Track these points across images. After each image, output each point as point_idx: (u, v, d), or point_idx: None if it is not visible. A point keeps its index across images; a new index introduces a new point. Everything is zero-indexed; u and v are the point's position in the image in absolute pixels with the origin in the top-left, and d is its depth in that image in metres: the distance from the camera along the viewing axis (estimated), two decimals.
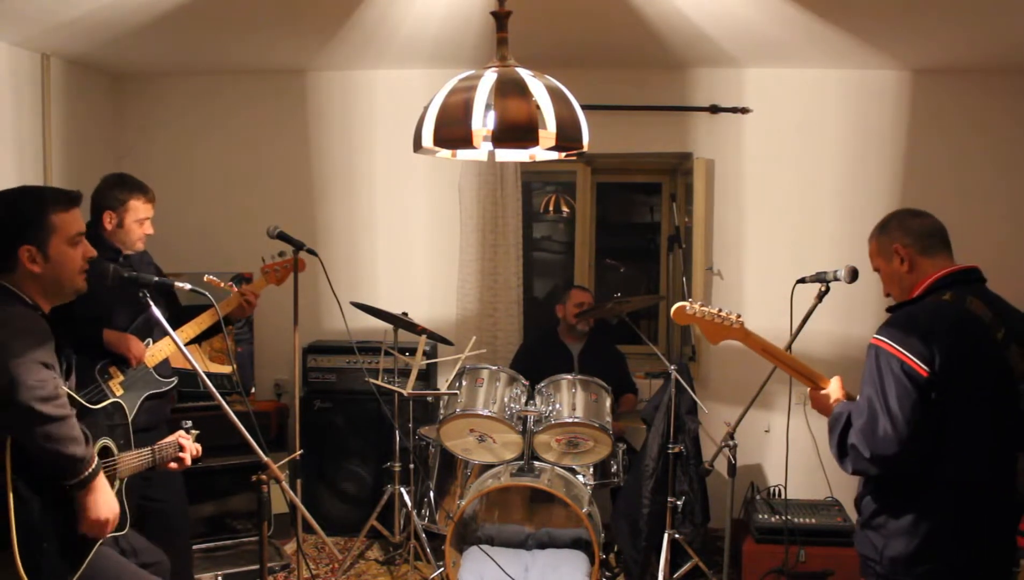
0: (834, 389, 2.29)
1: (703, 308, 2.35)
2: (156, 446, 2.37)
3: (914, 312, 2.13)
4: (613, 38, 3.87)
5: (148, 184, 3.11)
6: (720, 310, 2.36)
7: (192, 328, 3.07)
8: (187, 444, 2.42)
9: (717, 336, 2.38)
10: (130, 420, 2.41)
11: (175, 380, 3.12)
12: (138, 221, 3.00)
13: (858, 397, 2.15)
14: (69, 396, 2.09)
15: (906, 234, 2.22)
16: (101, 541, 2.14)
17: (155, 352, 3.01)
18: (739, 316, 2.35)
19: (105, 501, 2.06)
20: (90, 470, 2.00)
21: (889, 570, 2.11)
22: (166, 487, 3.03)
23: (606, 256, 5.13)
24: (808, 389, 2.34)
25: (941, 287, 2.15)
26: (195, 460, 2.46)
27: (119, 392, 2.87)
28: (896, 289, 2.27)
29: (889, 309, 2.25)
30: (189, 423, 2.48)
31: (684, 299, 2.42)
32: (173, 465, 2.42)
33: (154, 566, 2.46)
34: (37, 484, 1.95)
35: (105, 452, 2.24)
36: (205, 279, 3.21)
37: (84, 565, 2.06)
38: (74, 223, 2.15)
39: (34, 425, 1.86)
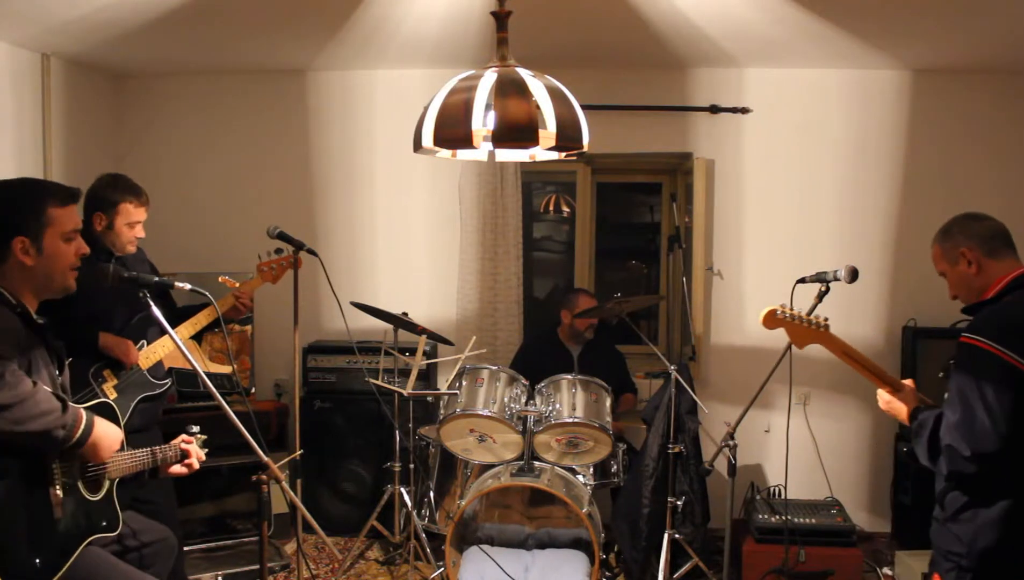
0: (910, 392, 2.34)
1: (793, 312, 2.35)
2: (157, 448, 2.36)
3: (1001, 310, 2.18)
4: (613, 38, 3.87)
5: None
6: (808, 313, 2.35)
7: (188, 328, 3.06)
8: (192, 450, 2.41)
9: (803, 340, 2.37)
10: (123, 422, 2.39)
11: (169, 382, 3.11)
12: (128, 224, 2.96)
13: (946, 395, 2.17)
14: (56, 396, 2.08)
15: (970, 237, 2.28)
16: (88, 541, 2.14)
17: (149, 354, 3.00)
18: (826, 319, 2.35)
19: (109, 441, 2.11)
20: (82, 428, 2.00)
21: (977, 563, 2.12)
22: (156, 489, 3.01)
23: (606, 256, 5.13)
24: (881, 391, 2.39)
25: (1019, 286, 2.20)
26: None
27: (113, 395, 2.86)
28: (964, 291, 2.32)
29: (965, 310, 2.31)
30: (196, 428, 2.45)
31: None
32: (181, 470, 2.41)
33: (158, 543, 2.45)
34: (13, 479, 1.94)
35: None
36: (220, 280, 3.22)
37: (67, 566, 2.05)
38: (70, 219, 2.15)
39: None
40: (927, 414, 2.22)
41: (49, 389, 2.02)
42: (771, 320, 2.35)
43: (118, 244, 2.97)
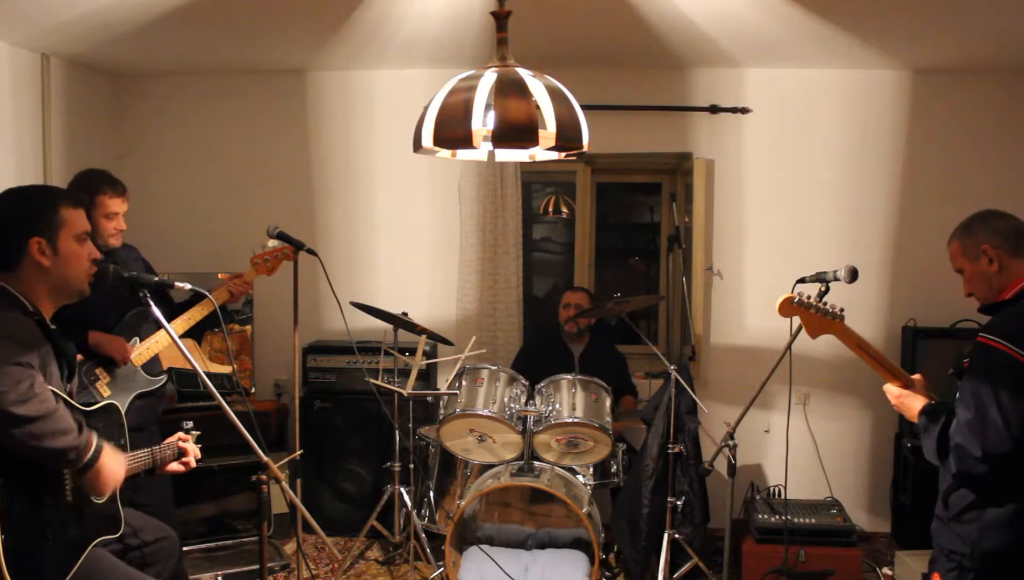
0: (921, 388, 2.34)
1: (809, 300, 2.34)
2: (156, 447, 2.36)
3: (1020, 312, 2.17)
4: (613, 38, 3.87)
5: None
6: (824, 302, 2.34)
7: (183, 323, 3.04)
8: (188, 447, 2.41)
9: (818, 329, 2.36)
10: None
11: (164, 378, 3.09)
12: (106, 216, 2.95)
13: (958, 394, 2.17)
14: (66, 401, 2.08)
15: (993, 235, 2.24)
16: (95, 543, 2.14)
17: (142, 351, 2.98)
18: (842, 309, 2.34)
19: (114, 470, 2.07)
20: (91, 453, 1.99)
21: (980, 563, 2.12)
22: (152, 490, 2.99)
23: (606, 256, 5.13)
24: (889, 385, 2.39)
25: None
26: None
27: (106, 393, 2.85)
28: (983, 289, 2.29)
29: (983, 309, 2.28)
30: (190, 424, 2.46)
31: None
32: (178, 468, 2.41)
33: (160, 541, 2.46)
34: (26, 484, 1.94)
35: None
36: (219, 277, 3.21)
37: (76, 567, 2.06)
38: (81, 222, 2.18)
39: (11, 427, 1.84)
40: (936, 411, 2.21)
41: (66, 408, 2.01)
42: (787, 307, 2.35)
43: (99, 239, 2.93)
